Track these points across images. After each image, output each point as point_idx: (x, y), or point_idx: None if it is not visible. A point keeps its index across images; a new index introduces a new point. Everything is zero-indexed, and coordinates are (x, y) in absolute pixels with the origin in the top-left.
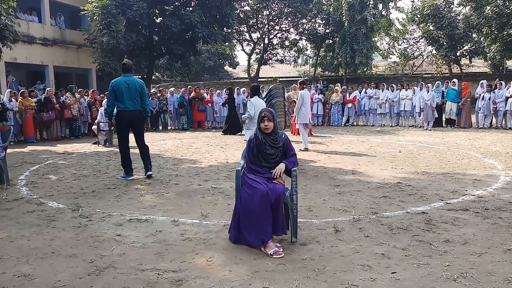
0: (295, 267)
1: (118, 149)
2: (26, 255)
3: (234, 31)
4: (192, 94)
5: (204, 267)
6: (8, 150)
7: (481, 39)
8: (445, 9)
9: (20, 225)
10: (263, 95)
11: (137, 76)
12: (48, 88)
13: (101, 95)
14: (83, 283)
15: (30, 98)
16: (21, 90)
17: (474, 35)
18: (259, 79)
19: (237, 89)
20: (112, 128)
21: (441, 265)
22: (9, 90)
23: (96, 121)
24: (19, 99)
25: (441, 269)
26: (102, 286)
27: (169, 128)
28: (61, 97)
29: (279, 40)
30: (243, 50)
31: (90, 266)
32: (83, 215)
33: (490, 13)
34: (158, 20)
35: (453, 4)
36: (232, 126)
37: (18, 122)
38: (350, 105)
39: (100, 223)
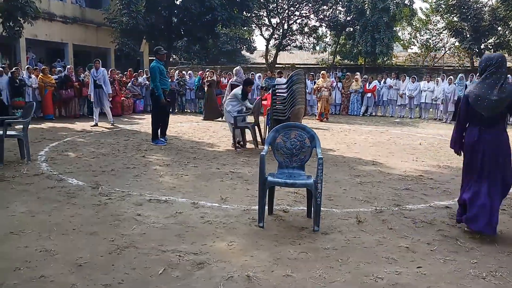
0: (318, 256)
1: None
2: (47, 231)
3: (253, 15)
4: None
5: (225, 251)
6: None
7: (507, 32)
8: (471, 0)
9: (40, 200)
10: (284, 81)
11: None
12: (68, 66)
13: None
14: (105, 261)
15: (50, 75)
16: (42, 67)
17: (499, 28)
18: (276, 65)
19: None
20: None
21: (469, 262)
22: (28, 66)
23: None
24: (40, 76)
25: (469, 266)
26: (123, 265)
27: (186, 111)
28: (81, 75)
29: (298, 26)
30: (262, 35)
31: (111, 245)
32: (103, 193)
33: None
34: (178, 2)
35: None
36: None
37: (37, 99)
38: (369, 94)
39: (120, 202)
